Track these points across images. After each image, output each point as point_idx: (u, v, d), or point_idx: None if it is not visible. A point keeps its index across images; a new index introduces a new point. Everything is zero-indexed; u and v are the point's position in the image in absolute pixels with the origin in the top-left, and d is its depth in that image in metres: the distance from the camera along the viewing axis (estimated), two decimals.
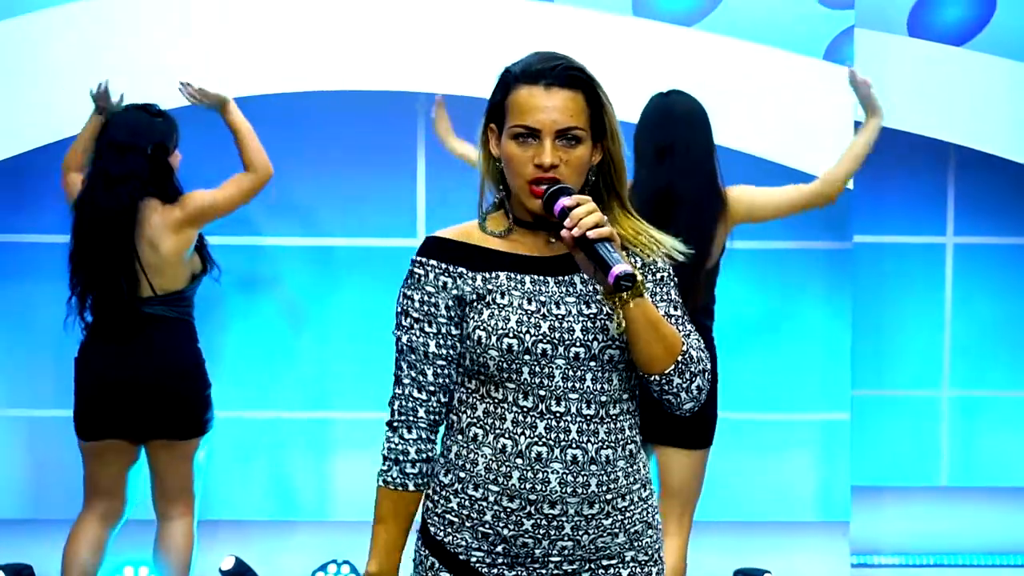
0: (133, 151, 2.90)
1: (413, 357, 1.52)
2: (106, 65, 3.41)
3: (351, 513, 3.66)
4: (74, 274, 2.89)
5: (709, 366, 1.51)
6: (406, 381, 1.52)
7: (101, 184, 2.86)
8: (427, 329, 1.50)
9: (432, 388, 1.51)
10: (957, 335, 4.26)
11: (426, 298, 1.49)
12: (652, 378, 1.47)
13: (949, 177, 4.17)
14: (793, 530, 3.84)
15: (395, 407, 1.53)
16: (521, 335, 1.45)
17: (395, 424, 1.51)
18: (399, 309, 1.52)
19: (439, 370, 1.51)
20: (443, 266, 1.49)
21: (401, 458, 1.50)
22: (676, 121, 3.00)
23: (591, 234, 1.35)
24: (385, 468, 1.52)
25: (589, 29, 3.68)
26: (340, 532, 3.68)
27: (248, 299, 3.75)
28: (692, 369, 1.47)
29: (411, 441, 1.51)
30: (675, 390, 1.48)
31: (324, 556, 3.68)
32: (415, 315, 1.51)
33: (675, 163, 2.92)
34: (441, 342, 1.50)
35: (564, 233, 1.38)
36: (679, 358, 1.45)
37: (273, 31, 3.61)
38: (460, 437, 1.51)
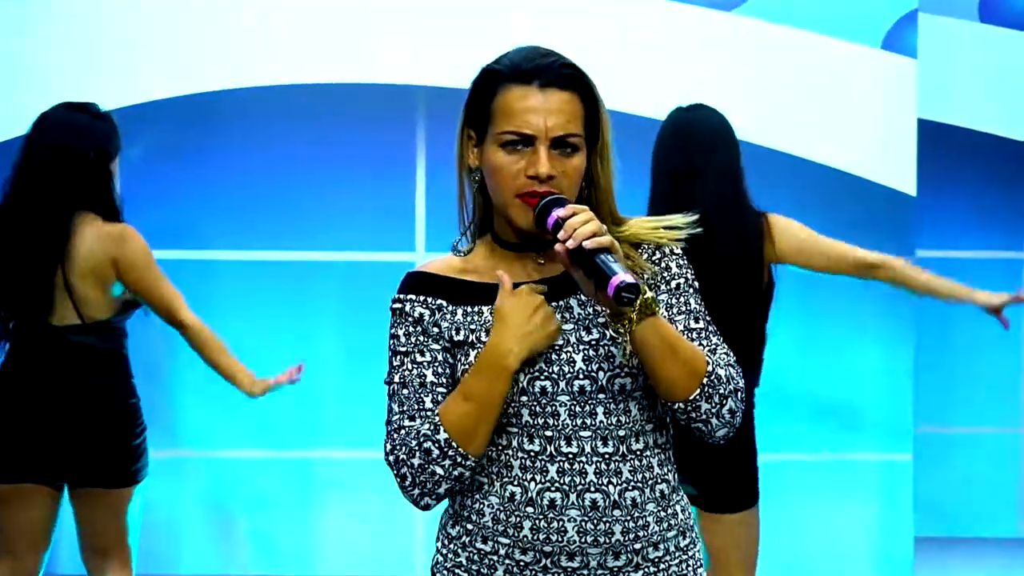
0: (70, 155, 2.74)
1: (406, 392, 1.47)
2: (83, 58, 3.41)
3: (339, 567, 3.61)
4: None
5: (742, 384, 1.46)
6: (396, 417, 1.46)
7: (29, 190, 2.71)
8: (418, 359, 1.46)
9: (429, 415, 1.45)
10: None
11: (411, 329, 1.46)
12: (676, 406, 1.41)
13: None
14: None
15: (389, 440, 1.47)
16: (515, 375, 1.41)
17: (394, 450, 1.46)
18: (389, 353, 1.49)
19: (438, 397, 1.46)
20: (421, 298, 1.46)
21: (421, 434, 1.43)
22: (694, 144, 2.87)
23: (588, 244, 1.29)
24: (422, 443, 1.43)
25: (618, 16, 3.57)
26: None
27: (217, 321, 3.53)
28: (721, 391, 1.41)
29: (413, 430, 1.46)
30: (704, 417, 1.41)
31: None
32: (403, 350, 1.47)
33: (692, 191, 2.82)
34: (438, 369, 1.46)
35: (558, 247, 1.32)
36: (704, 380, 1.39)
37: (260, 19, 3.53)
38: (465, 487, 1.48)
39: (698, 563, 1.53)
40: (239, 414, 3.67)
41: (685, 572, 1.48)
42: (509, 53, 1.45)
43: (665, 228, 1.51)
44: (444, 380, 1.46)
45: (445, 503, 1.54)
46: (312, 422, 3.78)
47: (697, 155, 2.82)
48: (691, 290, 1.50)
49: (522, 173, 1.37)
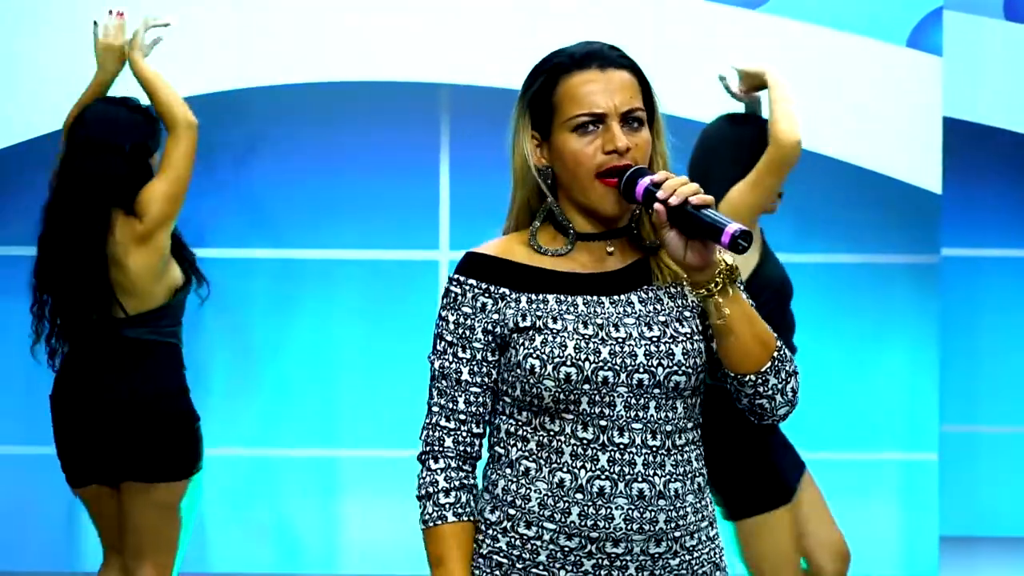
0: (111, 151, 2.75)
1: (444, 384, 1.53)
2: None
3: (363, 565, 3.62)
4: (40, 292, 2.76)
5: (799, 369, 1.57)
6: (435, 410, 1.54)
7: (70, 187, 2.74)
8: (460, 354, 1.51)
9: (463, 417, 1.52)
10: None
11: (462, 320, 1.50)
12: (747, 378, 1.46)
13: None
14: None
15: (423, 438, 1.55)
16: (580, 363, 1.44)
17: (423, 457, 1.53)
18: (436, 332, 1.54)
19: (471, 398, 1.52)
20: (483, 286, 1.49)
21: (432, 490, 1.50)
22: (696, 151, 2.98)
23: (694, 199, 1.33)
24: (421, 508, 1.53)
25: (645, 12, 3.59)
26: None
27: (241, 320, 3.72)
28: (788, 368, 1.49)
29: (438, 471, 1.51)
30: (771, 391, 1.47)
31: None
32: (449, 338, 1.52)
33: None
34: (475, 368, 1.51)
35: (658, 207, 1.37)
36: (775, 354, 1.46)
37: (281, 16, 3.53)
38: (509, 471, 1.50)
39: (723, 551, 1.58)
40: (262, 412, 3.69)
41: (714, 559, 1.54)
42: (555, 52, 1.50)
43: None
44: (480, 379, 1.49)
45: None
46: (335, 420, 3.76)
47: (693, 161, 2.93)
48: (742, 281, 1.54)
49: (599, 151, 1.40)
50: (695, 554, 1.51)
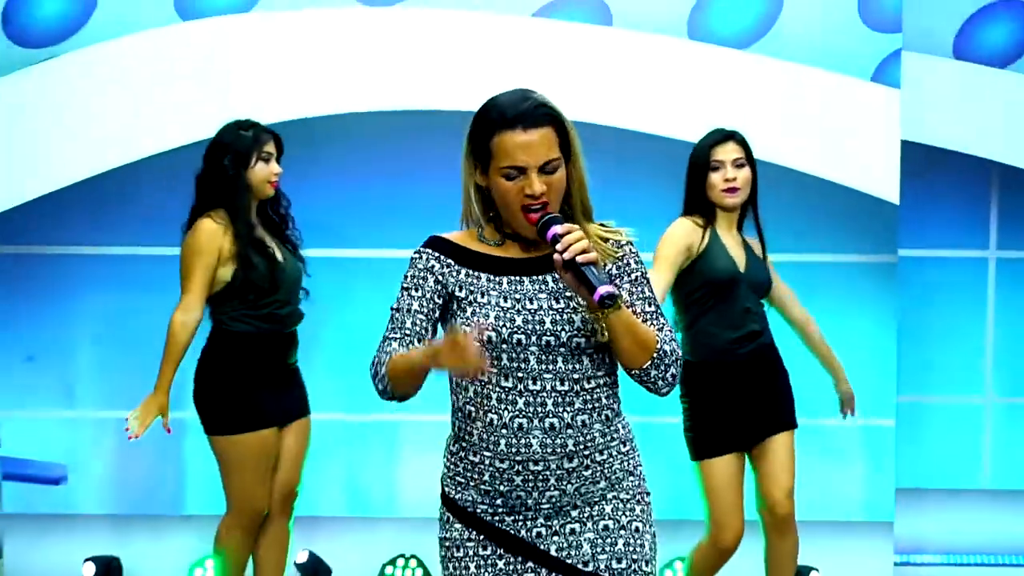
0: (209, 162, 3.13)
1: (398, 316, 1.67)
2: (173, 94, 3.70)
3: (419, 510, 3.61)
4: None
5: (680, 353, 1.68)
6: (387, 335, 1.66)
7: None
8: (413, 293, 1.66)
9: (408, 334, 1.65)
10: (1000, 344, 4.29)
11: (417, 272, 1.66)
12: (632, 372, 1.63)
13: (992, 194, 4.18)
14: (839, 530, 3.84)
15: (374, 359, 1.64)
16: (499, 328, 1.60)
17: (373, 369, 1.62)
18: (399, 287, 1.70)
19: (418, 321, 1.65)
20: (436, 255, 1.66)
21: (379, 371, 1.61)
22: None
23: (580, 259, 1.50)
24: (378, 386, 1.63)
25: (646, 52, 3.75)
26: (408, 528, 3.72)
27: (325, 311, 3.82)
28: (667, 361, 1.62)
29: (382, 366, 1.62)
30: (653, 380, 1.64)
31: (393, 551, 3.73)
32: (406, 284, 1.68)
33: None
34: (423, 303, 1.65)
35: (556, 257, 1.52)
36: (654, 355, 1.61)
37: (326, 54, 3.79)
38: (459, 415, 1.67)
39: (638, 463, 1.75)
40: (334, 380, 3.83)
41: (626, 467, 1.72)
42: (499, 100, 1.63)
43: (620, 239, 1.70)
44: (426, 311, 1.65)
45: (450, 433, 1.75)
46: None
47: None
48: (646, 281, 1.70)
49: (521, 193, 1.58)
50: (606, 465, 1.69)
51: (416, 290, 1.67)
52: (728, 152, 3.07)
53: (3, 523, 3.97)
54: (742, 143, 3.07)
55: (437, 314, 1.67)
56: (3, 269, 3.97)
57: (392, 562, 3.74)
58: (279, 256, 3.09)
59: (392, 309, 1.69)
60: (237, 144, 3.02)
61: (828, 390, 3.65)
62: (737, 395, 3.04)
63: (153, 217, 3.59)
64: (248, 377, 3.09)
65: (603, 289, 1.50)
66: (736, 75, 3.74)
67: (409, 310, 1.67)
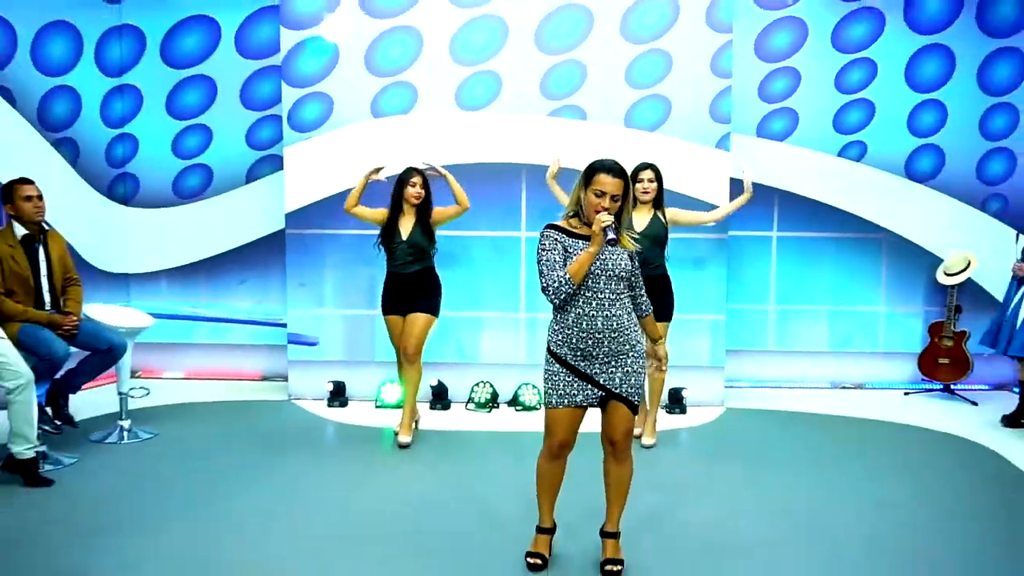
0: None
1: (548, 261, 2.28)
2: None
3: (498, 357, 5.15)
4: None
5: (652, 308, 2.34)
6: (546, 270, 2.26)
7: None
8: (553, 247, 2.32)
9: (558, 268, 2.23)
10: (777, 280, 5.74)
11: (550, 239, 2.35)
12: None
13: (775, 202, 5.59)
14: (699, 371, 5.15)
15: (547, 282, 2.26)
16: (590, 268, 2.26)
17: (547, 285, 2.26)
18: (538, 248, 2.34)
19: (559, 265, 2.27)
20: (553, 233, 2.35)
21: (556, 283, 2.22)
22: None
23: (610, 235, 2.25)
24: (554, 286, 2.25)
25: (594, 136, 4.93)
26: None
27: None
28: (644, 307, 2.41)
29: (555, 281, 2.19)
30: (639, 309, 2.32)
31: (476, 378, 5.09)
32: (547, 243, 2.33)
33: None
34: (559, 256, 2.29)
35: (602, 233, 2.20)
36: (643, 303, 2.29)
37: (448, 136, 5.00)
38: (559, 314, 2.36)
39: (640, 338, 2.38)
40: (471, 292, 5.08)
41: (637, 338, 2.36)
42: (599, 161, 2.29)
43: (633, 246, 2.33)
44: (563, 261, 2.27)
45: (549, 318, 2.36)
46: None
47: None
48: (639, 268, 2.34)
49: (600, 205, 2.26)
50: (632, 352, 2.34)
51: (554, 250, 2.33)
52: (646, 173, 4.11)
53: (290, 366, 5.36)
54: (654, 169, 4.09)
55: (562, 259, 2.25)
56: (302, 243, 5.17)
57: (476, 384, 5.09)
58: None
59: (542, 256, 2.27)
60: (402, 175, 4.22)
61: (692, 302, 4.86)
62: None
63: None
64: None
65: (610, 236, 2.21)
66: (648, 143, 4.91)
67: (556, 260, 2.27)
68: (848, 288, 5.66)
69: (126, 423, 4.32)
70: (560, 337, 2.41)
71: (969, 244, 5.50)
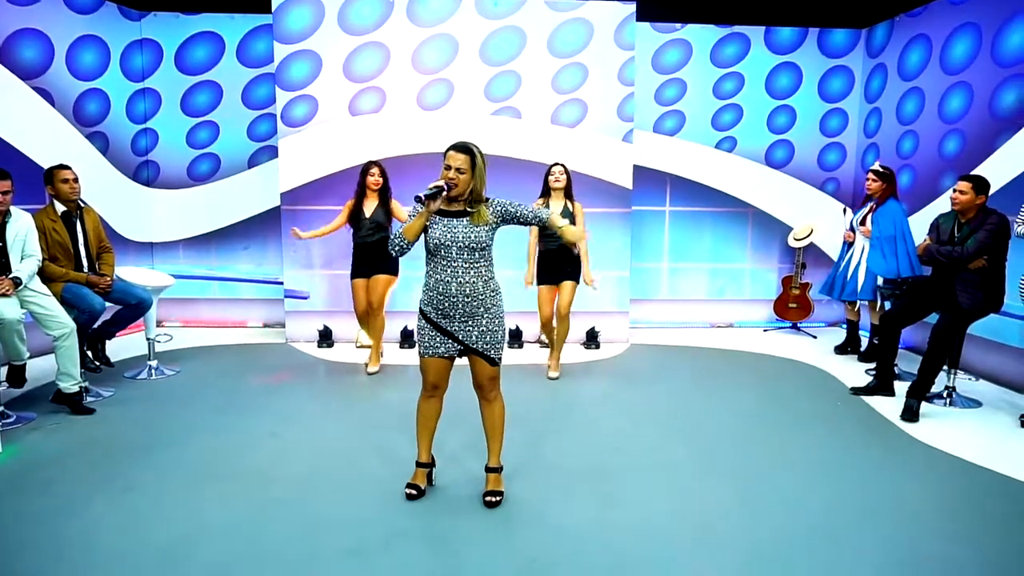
0: None
1: (406, 222, 2.10)
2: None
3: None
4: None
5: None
6: (395, 228, 2.29)
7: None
8: (413, 214, 2.07)
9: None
10: (671, 243, 5.50)
11: (413, 211, 2.15)
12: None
13: (667, 184, 5.55)
14: (609, 315, 5.05)
15: (392, 241, 2.07)
16: (438, 238, 2.06)
17: (391, 239, 2.07)
18: (410, 211, 2.15)
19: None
20: (419, 206, 2.13)
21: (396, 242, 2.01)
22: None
23: (425, 192, 1.98)
24: (395, 247, 2.03)
25: (527, 131, 4.68)
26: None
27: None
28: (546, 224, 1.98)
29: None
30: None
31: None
32: (411, 212, 2.18)
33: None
34: (419, 221, 2.05)
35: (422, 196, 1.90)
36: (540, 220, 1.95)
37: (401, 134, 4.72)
38: (427, 274, 2.14)
39: (496, 300, 2.13)
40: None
41: (492, 302, 2.15)
42: (455, 142, 2.04)
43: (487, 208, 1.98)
44: (419, 228, 2.03)
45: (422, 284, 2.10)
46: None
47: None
48: (508, 203, 2.06)
49: (446, 176, 2.05)
50: (482, 299, 2.13)
51: (412, 215, 2.12)
52: (557, 168, 3.98)
53: (286, 315, 5.03)
54: (563, 166, 3.94)
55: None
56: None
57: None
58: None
59: (405, 218, 2.32)
60: (364, 167, 4.05)
61: (604, 260, 4.79)
62: (554, 258, 3.87)
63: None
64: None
65: (422, 194, 1.95)
66: (569, 137, 4.78)
67: (409, 221, 2.12)
68: (722, 250, 5.62)
69: (154, 363, 4.23)
70: (426, 298, 2.27)
71: (812, 216, 5.53)
